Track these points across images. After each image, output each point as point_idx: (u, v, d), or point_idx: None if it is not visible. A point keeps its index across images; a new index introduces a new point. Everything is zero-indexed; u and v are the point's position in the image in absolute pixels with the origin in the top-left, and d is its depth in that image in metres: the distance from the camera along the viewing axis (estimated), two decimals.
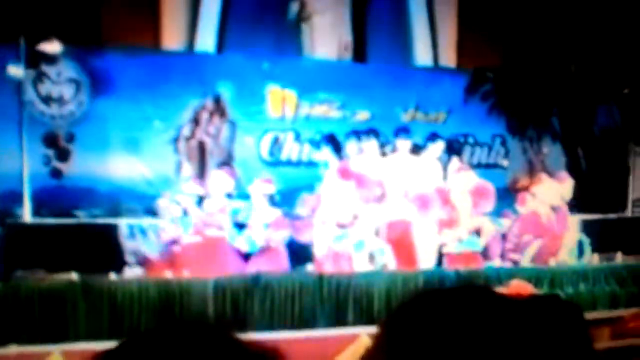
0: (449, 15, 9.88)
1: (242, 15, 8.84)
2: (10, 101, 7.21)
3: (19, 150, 7.05)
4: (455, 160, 7.94)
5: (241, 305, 6.02)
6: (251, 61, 8.58)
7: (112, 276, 6.40)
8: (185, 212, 6.68)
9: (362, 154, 7.35)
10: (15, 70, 7.07)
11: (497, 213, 7.78)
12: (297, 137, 8.73)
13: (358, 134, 7.58)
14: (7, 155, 7.14)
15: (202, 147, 8.06)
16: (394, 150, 7.62)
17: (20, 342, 5.02)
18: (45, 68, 7.39)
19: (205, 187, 7.20)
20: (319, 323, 6.22)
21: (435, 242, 7.31)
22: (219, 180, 7.04)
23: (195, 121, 8.05)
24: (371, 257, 7.07)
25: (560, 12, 9.85)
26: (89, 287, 5.74)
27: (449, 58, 9.99)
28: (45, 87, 7.53)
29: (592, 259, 7.71)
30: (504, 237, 7.64)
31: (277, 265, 6.87)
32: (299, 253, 7.12)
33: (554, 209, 7.74)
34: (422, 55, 9.91)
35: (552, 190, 7.79)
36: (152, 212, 7.05)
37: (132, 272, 6.58)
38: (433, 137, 7.77)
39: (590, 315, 6.57)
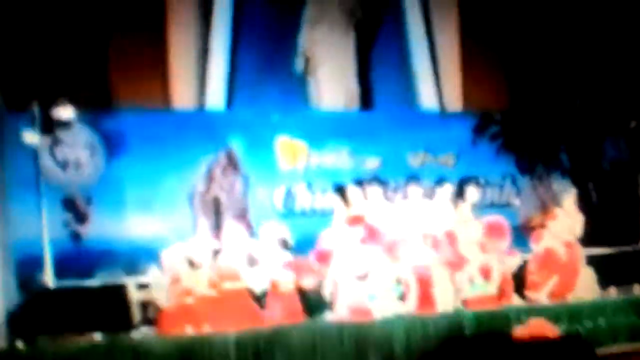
0: (452, 58, 10.07)
1: (249, 71, 9.09)
2: (27, 167, 7.39)
3: (38, 215, 7.22)
4: (464, 202, 8.02)
5: (263, 358, 6.02)
6: (260, 115, 8.81)
7: (135, 334, 6.57)
8: (198, 265, 6.81)
9: (369, 201, 7.45)
10: (31, 137, 7.29)
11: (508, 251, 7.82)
12: (309, 187, 8.90)
13: (361, 182, 7.82)
14: (26, 221, 7.29)
15: (217, 202, 8.24)
16: (404, 196, 7.79)
17: None
18: (60, 133, 7.62)
19: (220, 240, 7.37)
20: None
21: (451, 285, 7.30)
22: (233, 231, 7.21)
23: (209, 177, 8.26)
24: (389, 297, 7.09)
25: (564, 48, 10.02)
26: (112, 347, 5.82)
27: (454, 100, 10.14)
28: (61, 152, 7.78)
29: (610, 293, 7.73)
30: (519, 275, 7.68)
31: (292, 311, 6.90)
32: (315, 300, 7.14)
33: (568, 244, 7.73)
34: (428, 98, 10.06)
35: (565, 226, 7.80)
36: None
37: (149, 329, 6.69)
38: (440, 181, 7.99)
39: (610, 349, 6.61)
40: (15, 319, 6.77)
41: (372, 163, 9.27)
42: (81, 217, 7.69)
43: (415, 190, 7.62)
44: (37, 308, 6.89)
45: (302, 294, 7.05)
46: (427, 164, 9.47)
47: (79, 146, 7.84)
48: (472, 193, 8.13)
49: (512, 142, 9.97)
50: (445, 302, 7.25)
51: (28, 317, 6.82)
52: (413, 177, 7.93)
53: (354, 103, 9.69)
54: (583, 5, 9.96)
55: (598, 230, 8.79)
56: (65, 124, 7.40)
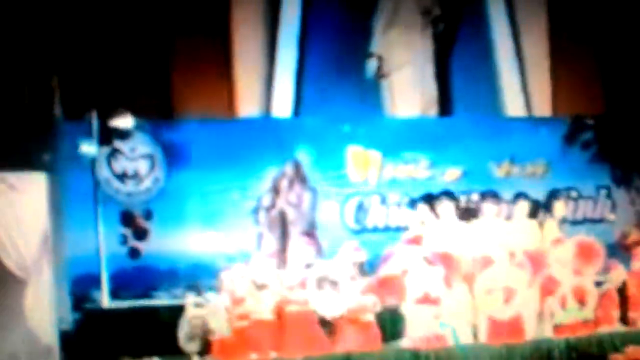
0: (540, 59, 9.50)
1: (318, 77, 8.77)
2: (84, 180, 7.21)
3: (95, 231, 7.04)
4: (552, 218, 7.63)
5: None
6: (330, 123, 8.46)
7: (195, 359, 6.29)
8: (262, 286, 6.49)
9: (439, 219, 7.17)
10: (88, 148, 7.09)
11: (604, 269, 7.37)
12: (383, 201, 8.49)
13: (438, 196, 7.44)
14: (83, 237, 7.09)
15: (283, 217, 7.90)
16: (480, 214, 7.42)
17: None
18: (118, 144, 7.39)
19: (286, 259, 7.05)
20: None
21: (540, 310, 6.94)
22: (300, 250, 6.87)
23: (275, 190, 7.92)
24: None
25: None
26: None
27: (542, 106, 9.56)
28: (120, 164, 7.52)
29: None
30: (620, 295, 7.27)
31: (369, 341, 6.60)
32: (391, 327, 6.85)
33: None
34: (513, 103, 9.52)
35: None
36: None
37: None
38: (523, 194, 7.57)
39: None
40: (68, 340, 6.55)
41: (452, 174, 8.82)
42: (140, 233, 7.42)
43: (490, 208, 7.28)
44: (91, 329, 6.67)
45: (380, 320, 6.77)
46: (513, 175, 8.98)
47: (138, 157, 7.59)
48: (560, 208, 7.72)
49: (607, 150, 9.39)
50: (534, 329, 6.85)
51: (82, 339, 6.60)
52: (490, 193, 7.56)
53: (433, 109, 9.23)
54: None
55: None
56: (124, 134, 7.18)
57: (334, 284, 6.75)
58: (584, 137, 9.35)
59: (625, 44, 9.48)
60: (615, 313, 7.13)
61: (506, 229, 7.28)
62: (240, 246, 7.57)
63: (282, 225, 7.88)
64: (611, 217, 9.47)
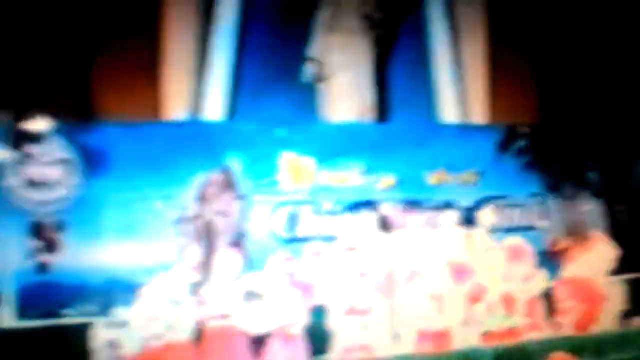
0: (478, 67, 8.96)
1: (253, 80, 7.99)
2: None
3: (0, 243, 6.18)
4: (480, 226, 7.30)
5: None
6: (264, 128, 7.82)
7: None
8: (182, 302, 5.88)
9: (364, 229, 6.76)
10: None
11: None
12: (316, 210, 7.93)
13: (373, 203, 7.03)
14: None
15: (210, 227, 7.22)
16: (403, 224, 7.01)
17: None
18: (30, 148, 6.56)
19: (211, 272, 6.47)
20: None
21: (467, 318, 6.73)
22: (227, 262, 6.30)
23: (202, 198, 7.23)
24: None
25: (598, 61, 9.06)
26: None
27: (478, 114, 9.12)
28: (31, 170, 6.61)
29: (636, 323, 7.36)
30: (547, 301, 7.14)
31: (296, 356, 6.18)
32: (318, 340, 6.40)
33: (596, 271, 7.42)
34: (450, 111, 9.05)
35: (596, 256, 7.49)
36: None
37: None
38: (453, 203, 7.25)
39: None
40: None
41: (386, 182, 8.36)
42: (50, 245, 6.59)
43: (416, 218, 6.92)
44: None
45: (307, 334, 6.33)
46: (445, 183, 8.60)
47: (52, 163, 6.66)
48: (488, 216, 7.35)
49: (540, 159, 9.14)
50: (462, 338, 6.63)
51: None
52: (415, 202, 7.08)
53: (369, 115, 8.72)
54: (621, 18, 9.01)
55: (629, 255, 8.06)
56: (36, 137, 6.28)
57: (261, 297, 6.31)
58: (517, 145, 9.11)
59: (562, 55, 9.22)
60: (543, 319, 7.02)
61: (433, 239, 6.90)
62: (162, 259, 6.71)
63: (209, 236, 7.19)
64: (542, 224, 9.29)
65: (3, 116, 6.17)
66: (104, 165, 6.84)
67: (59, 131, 6.63)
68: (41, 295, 6.44)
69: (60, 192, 6.63)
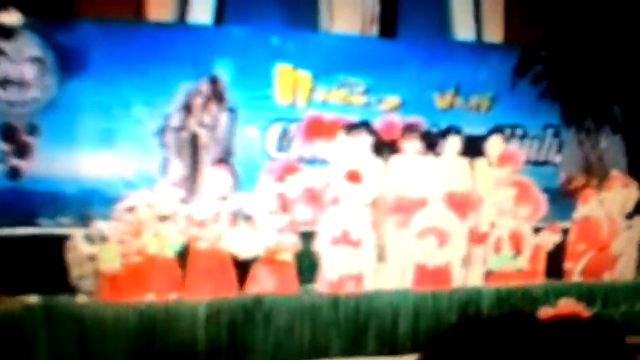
0: None
1: None
2: None
3: None
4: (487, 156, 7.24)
5: (239, 332, 5.58)
6: (256, 35, 7.93)
7: (81, 298, 5.93)
8: (164, 218, 6.12)
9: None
10: None
11: (547, 219, 7.15)
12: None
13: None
14: None
15: (194, 141, 7.40)
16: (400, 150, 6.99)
17: None
18: (1, 44, 6.76)
19: (195, 189, 6.69)
20: (333, 353, 5.76)
21: (470, 255, 6.83)
22: (213, 180, 6.48)
23: (187, 108, 7.36)
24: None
25: None
26: (52, 313, 5.30)
27: (494, 32, 9.17)
28: (2, 68, 6.72)
29: None
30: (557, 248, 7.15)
31: (284, 283, 6.39)
32: (309, 268, 6.55)
33: (613, 216, 7.32)
34: (462, 28, 9.11)
35: (616, 196, 7.38)
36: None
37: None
38: (449, 131, 7.12)
39: None
40: None
41: (390, 102, 8.56)
42: (22, 150, 6.76)
43: (414, 144, 6.82)
44: None
45: (297, 260, 6.44)
46: (456, 107, 8.80)
47: (24, 60, 6.76)
48: (497, 146, 7.24)
49: (558, 87, 9.22)
50: (463, 275, 6.72)
51: None
52: (412, 126, 6.98)
53: (374, 28, 8.77)
54: None
55: None
56: (8, 32, 6.52)
57: (250, 219, 6.50)
58: (535, 70, 9.14)
59: None
60: (550, 264, 7.04)
61: (436, 167, 6.91)
62: (142, 171, 6.97)
63: (193, 150, 7.40)
64: (557, 159, 9.44)
65: None
66: (81, 66, 6.98)
67: (32, 27, 6.76)
68: (13, 201, 6.67)
69: (32, 93, 6.81)
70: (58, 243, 5.98)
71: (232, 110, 7.60)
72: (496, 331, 1.39)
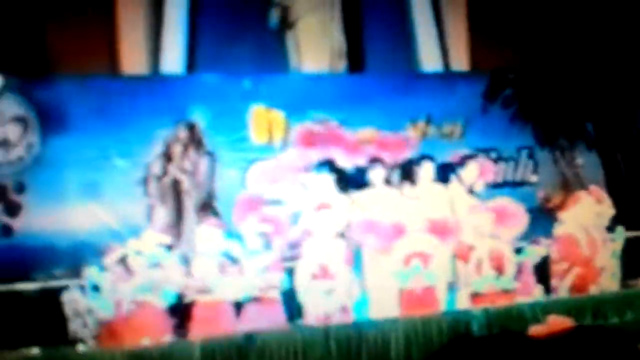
0: (457, 12, 9.73)
1: (214, 28, 8.72)
2: None
3: None
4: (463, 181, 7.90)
5: None
6: (228, 80, 8.36)
7: (81, 347, 6.30)
8: (154, 266, 6.61)
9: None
10: None
11: (528, 238, 7.72)
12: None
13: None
14: None
15: (176, 187, 7.91)
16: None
17: None
18: None
19: (181, 234, 7.09)
20: None
21: (454, 278, 7.27)
22: (206, 237, 6.92)
23: (167, 156, 7.88)
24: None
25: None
26: None
27: (460, 61, 9.80)
28: None
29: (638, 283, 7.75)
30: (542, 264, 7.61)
31: (273, 318, 6.77)
32: (295, 304, 7.04)
33: (592, 229, 7.71)
34: (429, 59, 9.72)
35: (590, 210, 7.77)
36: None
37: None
38: (423, 159, 7.78)
39: None
40: None
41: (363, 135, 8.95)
42: (12, 208, 7.28)
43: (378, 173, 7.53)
44: None
45: (283, 297, 6.92)
46: (429, 136, 9.17)
47: (7, 121, 7.37)
48: (472, 171, 7.89)
49: (529, 108, 9.66)
50: (449, 299, 7.18)
51: None
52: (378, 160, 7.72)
53: (342, 63, 9.29)
54: None
55: (627, 211, 8.58)
56: None
57: (236, 262, 6.90)
58: (504, 93, 9.56)
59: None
60: (536, 281, 7.48)
61: (412, 195, 7.52)
62: (128, 220, 7.52)
63: (176, 196, 7.88)
64: (533, 179, 9.74)
65: None
66: (61, 122, 7.60)
67: (12, 87, 7.26)
68: (7, 258, 7.12)
69: (18, 152, 7.35)
70: (55, 296, 6.45)
71: (211, 154, 8.07)
72: (488, 350, 1.20)
